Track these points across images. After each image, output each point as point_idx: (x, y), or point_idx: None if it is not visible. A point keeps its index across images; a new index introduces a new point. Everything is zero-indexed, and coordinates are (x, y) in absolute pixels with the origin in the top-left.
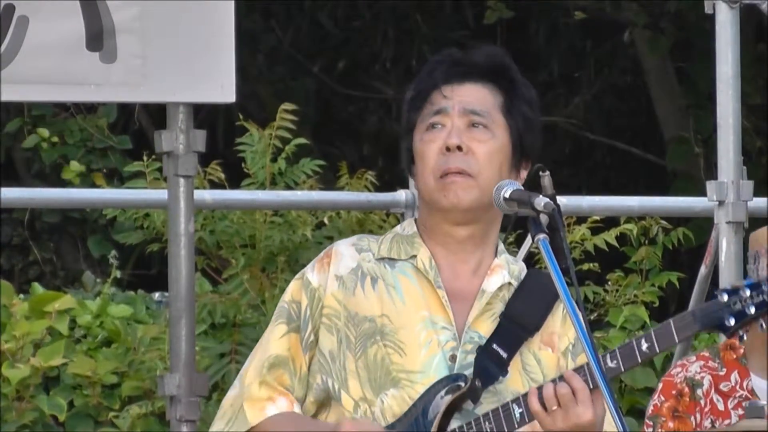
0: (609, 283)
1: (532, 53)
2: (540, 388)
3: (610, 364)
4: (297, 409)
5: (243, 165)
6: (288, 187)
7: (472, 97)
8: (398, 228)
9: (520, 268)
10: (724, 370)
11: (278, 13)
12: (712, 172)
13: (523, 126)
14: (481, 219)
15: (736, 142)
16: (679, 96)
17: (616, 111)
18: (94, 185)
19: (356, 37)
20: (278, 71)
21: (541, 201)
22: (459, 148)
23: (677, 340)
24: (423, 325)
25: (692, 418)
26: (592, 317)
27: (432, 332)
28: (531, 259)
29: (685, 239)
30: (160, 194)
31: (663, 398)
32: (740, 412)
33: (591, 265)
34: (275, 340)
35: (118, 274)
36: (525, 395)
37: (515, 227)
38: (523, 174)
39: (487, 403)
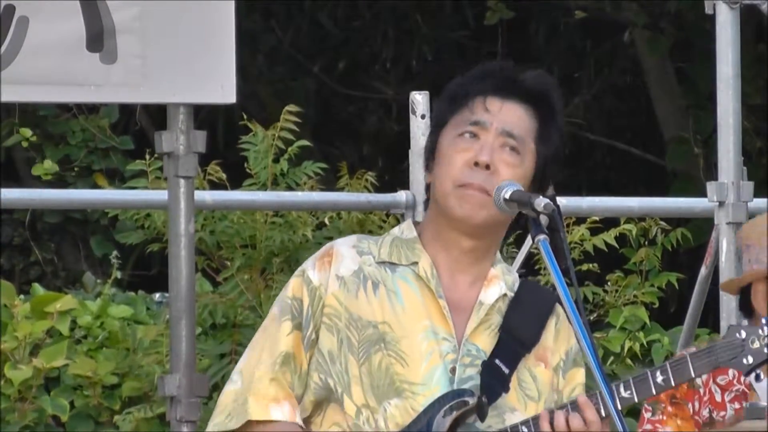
0: (608, 283)
1: (532, 53)
2: (552, 413)
3: (624, 394)
4: (298, 418)
5: (246, 165)
6: (289, 188)
7: (513, 118)
8: (396, 231)
9: (513, 279)
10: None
11: (278, 14)
12: (712, 173)
13: (552, 156)
14: (488, 235)
15: (736, 143)
16: (679, 96)
17: (616, 111)
18: (95, 186)
19: (356, 37)
20: (278, 71)
21: (541, 202)
22: (487, 166)
23: (693, 376)
24: (425, 335)
25: (690, 405)
26: (591, 318)
27: (433, 343)
28: (531, 260)
29: (684, 240)
30: (161, 195)
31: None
32: (736, 405)
33: (590, 265)
34: (284, 337)
35: (118, 274)
36: (535, 418)
37: (513, 227)
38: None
39: (487, 418)
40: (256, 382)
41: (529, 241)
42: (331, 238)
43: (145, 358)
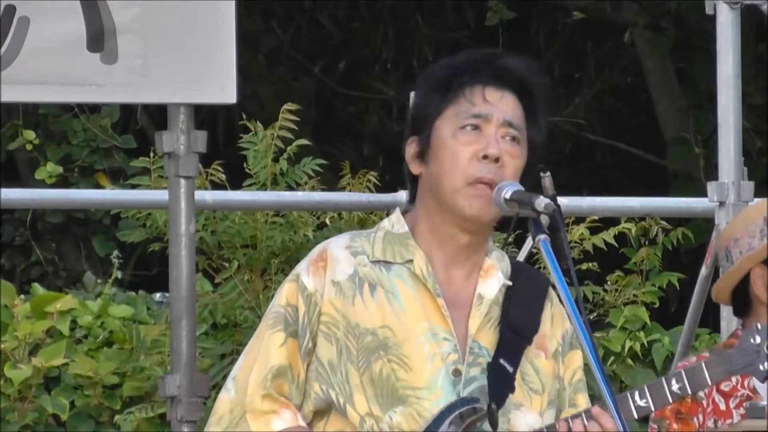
0: (609, 283)
1: (532, 54)
2: (568, 422)
3: (640, 402)
4: (301, 421)
5: (245, 165)
6: (289, 188)
7: (511, 107)
8: (386, 224)
9: (507, 264)
10: None
11: (279, 14)
12: (712, 173)
13: (540, 142)
14: (488, 230)
15: (736, 143)
16: (679, 96)
17: (617, 111)
18: (97, 185)
19: (357, 38)
20: (279, 72)
21: (541, 202)
22: (496, 159)
23: (710, 383)
24: (425, 337)
25: (695, 419)
26: (592, 317)
27: (434, 345)
28: (530, 259)
29: (685, 240)
30: (161, 195)
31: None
32: (742, 411)
33: (590, 264)
34: (275, 349)
35: (119, 274)
36: (551, 426)
37: (515, 228)
38: None
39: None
40: (249, 398)
41: (529, 241)
42: None
43: (147, 358)
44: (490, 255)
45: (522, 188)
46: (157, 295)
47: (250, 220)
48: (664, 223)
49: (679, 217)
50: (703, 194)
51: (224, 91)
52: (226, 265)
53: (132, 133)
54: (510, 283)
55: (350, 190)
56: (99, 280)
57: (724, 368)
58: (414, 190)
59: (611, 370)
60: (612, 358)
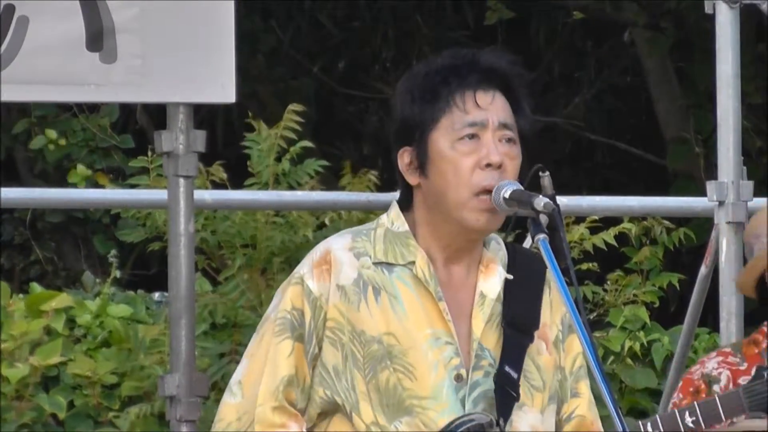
0: (608, 283)
1: (532, 53)
2: None
3: None
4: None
5: (248, 164)
6: (290, 188)
7: (502, 108)
8: (386, 220)
9: (504, 253)
10: (746, 364)
11: (278, 14)
12: (712, 172)
13: (530, 129)
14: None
15: (736, 142)
16: (679, 96)
17: (616, 111)
18: (97, 185)
19: (356, 38)
20: (278, 71)
21: (540, 201)
22: (499, 166)
23: (723, 419)
24: (428, 344)
25: None
26: (591, 317)
27: (437, 351)
28: None
29: (685, 239)
30: (161, 194)
31: (681, 395)
32: None
33: (590, 264)
34: (284, 359)
35: (117, 273)
36: None
37: (515, 227)
38: None
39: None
40: (260, 408)
41: (528, 240)
42: None
43: (147, 358)
44: (488, 246)
45: (521, 187)
46: (156, 295)
47: (250, 221)
48: (667, 222)
49: (679, 217)
50: (703, 194)
51: (223, 90)
52: (230, 262)
53: (131, 133)
54: (510, 277)
55: (351, 190)
56: (98, 280)
57: (739, 406)
58: (407, 195)
59: (611, 369)
60: (612, 357)
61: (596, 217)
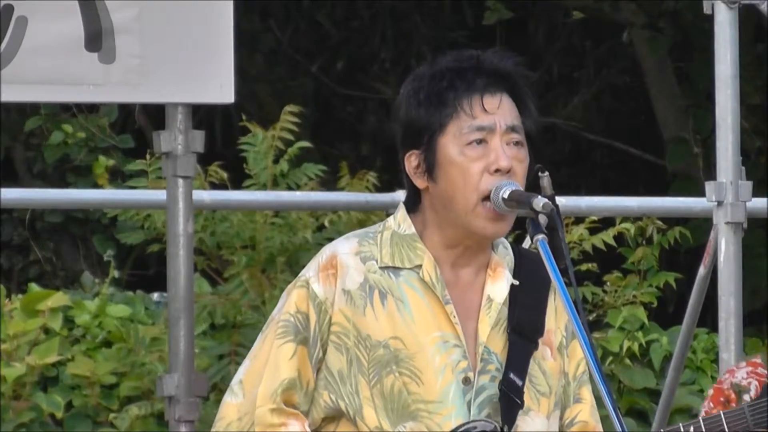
0: (607, 284)
1: (531, 53)
2: None
3: None
4: (307, 428)
5: (244, 166)
6: (289, 189)
7: (508, 110)
8: (392, 223)
9: (511, 257)
10: None
11: (277, 14)
12: (711, 173)
13: (535, 127)
14: None
15: (735, 143)
16: (678, 96)
17: (615, 111)
18: (95, 185)
19: (355, 38)
20: (277, 71)
21: (539, 201)
22: (508, 171)
23: None
24: (436, 348)
25: None
26: (590, 318)
27: (445, 355)
28: None
29: (683, 239)
30: (159, 194)
31: (712, 405)
32: None
33: (589, 265)
34: (285, 362)
35: (116, 274)
36: None
37: (514, 228)
38: None
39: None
40: (259, 410)
41: (527, 240)
42: (330, 240)
43: (148, 355)
44: (496, 250)
45: (520, 188)
46: (155, 295)
47: (249, 221)
48: (659, 222)
49: (678, 217)
50: (702, 194)
51: (222, 90)
52: (235, 259)
53: (130, 133)
54: (517, 282)
55: (350, 190)
56: (97, 280)
57: (744, 422)
58: (414, 197)
59: (609, 370)
60: (610, 358)
61: (595, 218)
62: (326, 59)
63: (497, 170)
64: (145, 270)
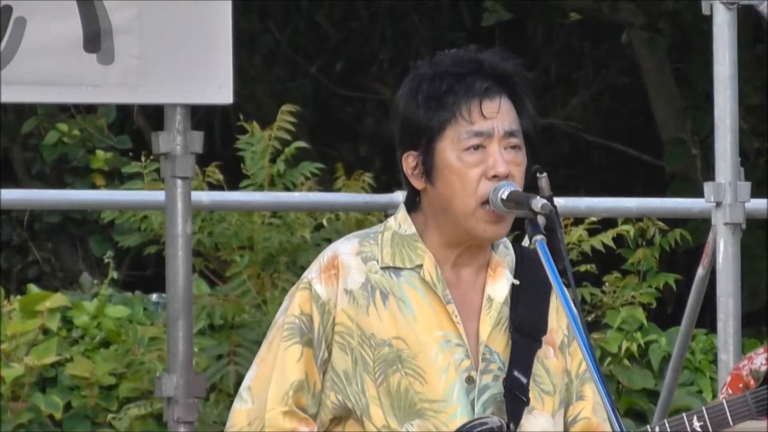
0: (606, 284)
1: (529, 54)
2: None
3: None
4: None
5: (242, 166)
6: (286, 189)
7: (506, 114)
8: (393, 223)
9: (512, 257)
10: None
11: (276, 14)
12: (709, 174)
13: (533, 125)
14: None
15: (733, 143)
16: (676, 97)
17: (614, 112)
18: (93, 185)
19: (354, 38)
20: (276, 72)
21: (538, 202)
22: (506, 176)
23: (731, 423)
24: (439, 347)
25: None
26: (589, 318)
27: (448, 354)
28: None
29: (682, 240)
30: (158, 195)
31: (731, 391)
32: None
33: (588, 266)
34: (293, 364)
35: (115, 275)
36: None
37: (513, 228)
38: None
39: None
40: (270, 413)
41: (526, 241)
42: (329, 240)
43: (147, 354)
44: (496, 249)
45: (519, 189)
46: (154, 296)
47: (246, 222)
48: (661, 224)
49: (677, 218)
50: (701, 195)
51: (221, 91)
52: (238, 259)
53: (128, 134)
54: (517, 282)
55: (346, 191)
56: (95, 281)
57: (747, 411)
58: (414, 197)
59: (608, 370)
60: (609, 358)
61: (594, 219)
62: (325, 60)
63: (495, 176)
64: (142, 271)
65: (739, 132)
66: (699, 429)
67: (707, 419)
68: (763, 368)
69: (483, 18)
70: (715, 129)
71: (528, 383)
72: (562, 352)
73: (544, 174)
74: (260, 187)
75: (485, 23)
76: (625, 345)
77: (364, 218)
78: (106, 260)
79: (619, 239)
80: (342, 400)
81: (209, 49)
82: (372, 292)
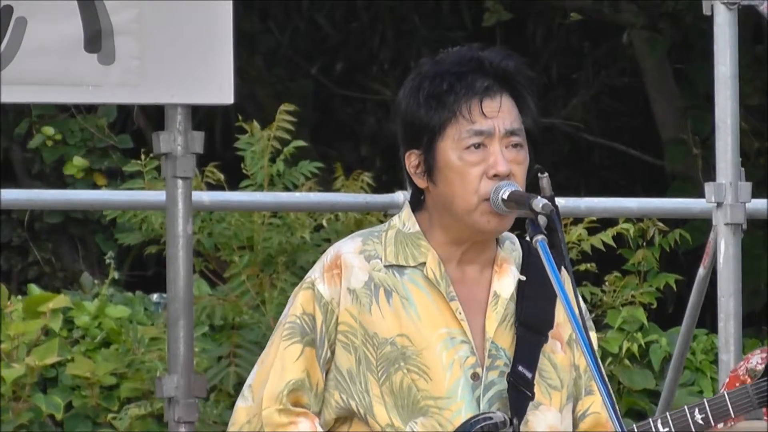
0: (606, 284)
1: (530, 54)
2: None
3: (662, 430)
4: (318, 426)
5: (242, 166)
6: (286, 189)
7: (508, 112)
8: (397, 222)
9: (518, 253)
10: None
11: (276, 15)
12: (710, 174)
13: (535, 125)
14: None
15: (734, 144)
16: (677, 97)
17: (615, 112)
18: (94, 185)
19: (354, 39)
20: (276, 72)
21: (539, 202)
22: (507, 175)
23: (732, 415)
24: (443, 344)
25: None
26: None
27: (452, 351)
28: None
29: (682, 241)
30: (159, 195)
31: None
32: None
33: (588, 265)
34: (291, 363)
35: (115, 275)
36: None
37: (514, 228)
38: None
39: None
40: (265, 411)
41: None
42: (329, 240)
43: (147, 354)
44: (502, 245)
45: (520, 188)
46: (155, 296)
47: (246, 222)
48: (661, 224)
49: (677, 218)
50: (701, 195)
51: (221, 91)
52: (236, 259)
53: (129, 133)
54: (523, 278)
55: (345, 191)
56: (96, 281)
57: (747, 402)
58: (417, 196)
59: (609, 371)
60: (609, 359)
61: (594, 218)
62: (326, 60)
63: (495, 175)
64: (143, 271)
65: (740, 132)
66: (701, 421)
67: (709, 411)
68: (760, 366)
69: (484, 18)
70: (716, 129)
71: (533, 378)
72: (570, 346)
73: (546, 174)
74: (260, 187)
75: (486, 24)
76: (625, 345)
77: (363, 218)
78: (107, 260)
79: (619, 239)
80: (346, 400)
81: (210, 49)
82: (375, 290)
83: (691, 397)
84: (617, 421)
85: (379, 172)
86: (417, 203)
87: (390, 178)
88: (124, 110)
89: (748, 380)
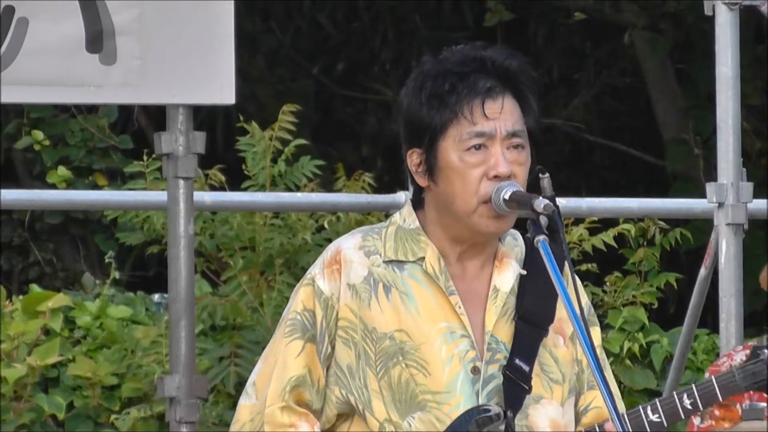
0: (607, 284)
1: (531, 55)
2: None
3: (652, 417)
4: (317, 430)
5: (244, 167)
6: (288, 189)
7: (510, 113)
8: (398, 218)
9: (521, 248)
10: None
11: (278, 15)
12: (711, 174)
13: (537, 125)
14: None
15: (735, 144)
16: (678, 97)
17: (616, 112)
18: (95, 186)
19: (356, 39)
20: (278, 73)
21: (540, 203)
22: (507, 177)
23: (720, 399)
24: (443, 338)
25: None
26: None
27: (452, 345)
28: None
29: (684, 241)
30: (160, 196)
31: None
32: None
33: (589, 266)
34: (293, 360)
35: (117, 275)
36: None
37: (515, 228)
38: None
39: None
40: (268, 409)
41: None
42: (330, 241)
43: (145, 357)
44: (503, 241)
45: (521, 189)
46: (156, 296)
47: (248, 223)
48: (661, 223)
49: (678, 218)
50: (703, 195)
51: (223, 91)
52: (231, 262)
53: (130, 133)
54: (525, 272)
55: (346, 192)
56: (97, 281)
57: (735, 385)
58: (419, 194)
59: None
60: (611, 359)
61: (595, 219)
62: (327, 60)
63: (496, 176)
64: (145, 271)
65: (741, 132)
66: (690, 406)
67: (697, 396)
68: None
69: (485, 19)
70: (717, 129)
71: (530, 371)
72: (572, 341)
73: (547, 174)
74: (262, 188)
75: (488, 24)
76: (626, 345)
77: (364, 219)
78: (108, 260)
79: (620, 239)
80: (345, 395)
81: (211, 49)
82: (374, 285)
83: None
84: (616, 418)
85: (381, 173)
86: (418, 201)
87: (391, 179)
88: (125, 111)
89: None
